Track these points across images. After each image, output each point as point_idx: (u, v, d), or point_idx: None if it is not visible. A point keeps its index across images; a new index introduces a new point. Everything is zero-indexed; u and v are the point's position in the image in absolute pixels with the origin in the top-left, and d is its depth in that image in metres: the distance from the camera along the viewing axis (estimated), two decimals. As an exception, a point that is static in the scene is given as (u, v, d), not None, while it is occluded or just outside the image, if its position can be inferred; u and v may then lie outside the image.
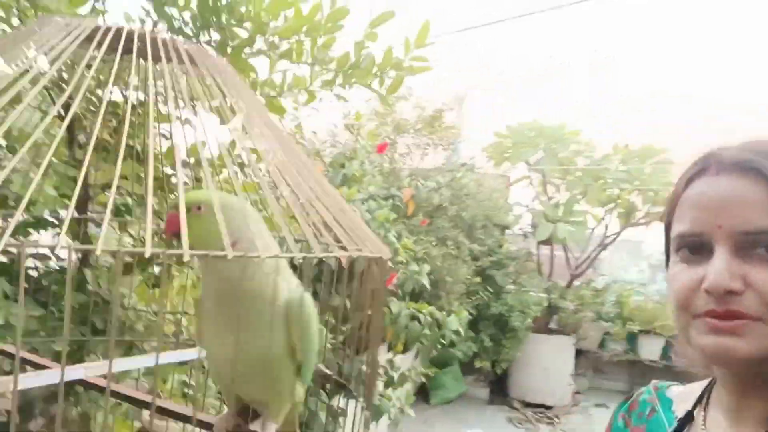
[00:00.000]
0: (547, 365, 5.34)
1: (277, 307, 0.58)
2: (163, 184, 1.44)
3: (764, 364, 0.61)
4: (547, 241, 5.66)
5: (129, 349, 1.40)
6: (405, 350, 3.53)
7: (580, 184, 5.75)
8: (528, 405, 5.32)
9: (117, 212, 1.47)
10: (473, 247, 4.80)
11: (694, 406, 0.73)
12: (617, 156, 5.85)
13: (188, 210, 0.65)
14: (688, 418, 0.73)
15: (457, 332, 3.37)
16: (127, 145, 1.29)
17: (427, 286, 3.67)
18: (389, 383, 3.26)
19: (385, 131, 5.39)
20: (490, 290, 5.02)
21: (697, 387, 0.76)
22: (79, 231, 1.38)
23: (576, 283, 5.78)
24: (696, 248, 0.64)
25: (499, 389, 5.50)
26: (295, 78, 1.65)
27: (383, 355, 3.41)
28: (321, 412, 1.90)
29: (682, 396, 0.78)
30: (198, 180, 1.39)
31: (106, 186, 1.49)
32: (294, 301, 0.60)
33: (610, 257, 6.68)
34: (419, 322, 3.46)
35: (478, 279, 4.79)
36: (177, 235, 0.63)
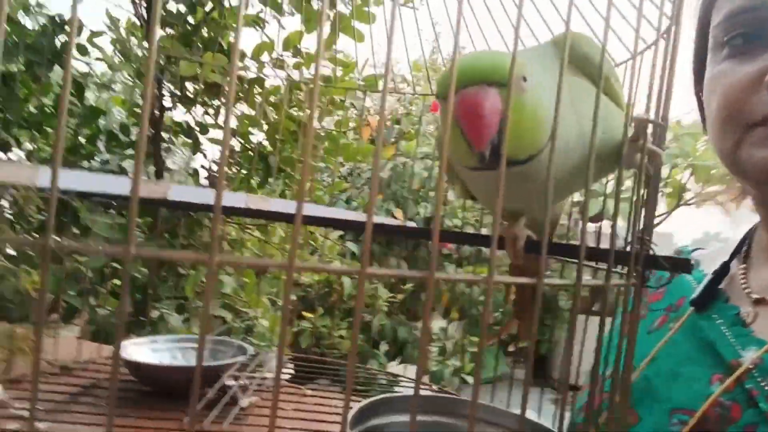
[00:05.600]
0: (591, 347, 5.12)
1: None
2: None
3: None
4: (595, 218, 5.39)
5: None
6: (461, 318, 3.31)
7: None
8: (571, 387, 5.11)
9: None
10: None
11: (731, 257, 0.57)
12: (668, 133, 5.55)
13: (503, 85, 0.34)
14: (724, 271, 0.54)
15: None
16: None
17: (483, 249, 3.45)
18: (442, 353, 3.06)
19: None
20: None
21: (732, 244, 0.59)
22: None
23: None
24: (751, 36, 0.46)
25: (539, 370, 5.28)
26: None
27: (437, 322, 3.21)
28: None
29: (712, 255, 0.60)
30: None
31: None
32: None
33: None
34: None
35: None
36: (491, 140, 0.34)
